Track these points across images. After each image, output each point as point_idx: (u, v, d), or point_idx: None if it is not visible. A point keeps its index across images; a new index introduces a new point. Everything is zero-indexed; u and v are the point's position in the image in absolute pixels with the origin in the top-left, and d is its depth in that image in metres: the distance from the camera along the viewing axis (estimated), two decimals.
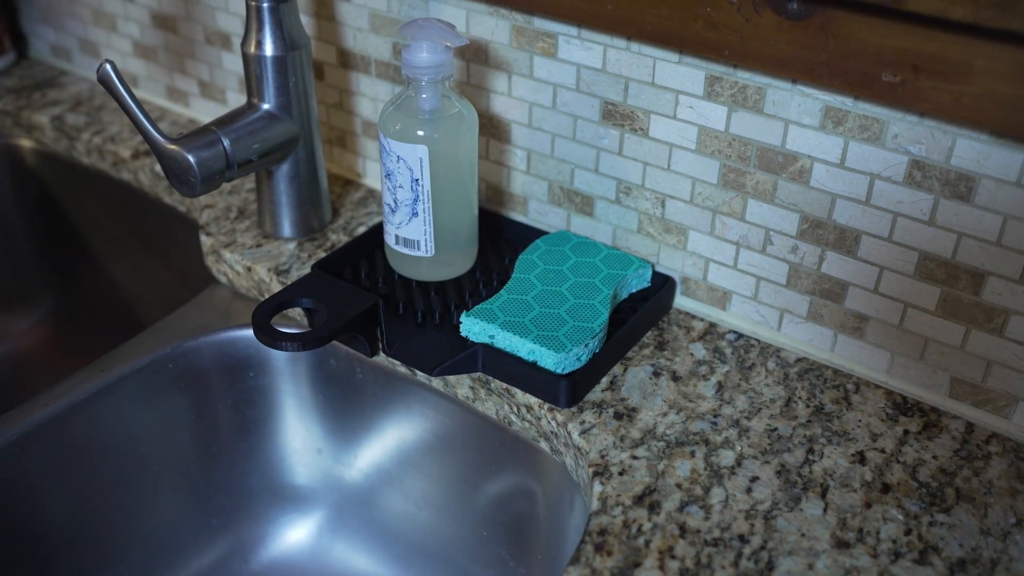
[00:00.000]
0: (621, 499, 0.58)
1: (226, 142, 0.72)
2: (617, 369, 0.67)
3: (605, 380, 0.66)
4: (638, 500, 0.58)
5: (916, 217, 0.60)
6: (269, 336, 0.65)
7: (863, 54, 0.56)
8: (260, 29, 0.73)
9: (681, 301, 0.74)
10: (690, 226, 0.71)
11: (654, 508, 0.57)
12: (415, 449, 0.76)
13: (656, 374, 0.67)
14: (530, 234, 0.78)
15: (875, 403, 0.65)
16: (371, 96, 0.84)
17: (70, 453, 0.71)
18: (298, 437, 0.81)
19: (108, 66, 0.68)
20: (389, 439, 0.78)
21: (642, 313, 0.69)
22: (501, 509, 0.73)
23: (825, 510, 0.57)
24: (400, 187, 0.69)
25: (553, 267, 0.72)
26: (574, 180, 0.75)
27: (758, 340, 0.70)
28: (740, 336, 0.71)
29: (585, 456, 0.61)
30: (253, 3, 0.72)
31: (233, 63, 0.92)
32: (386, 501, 0.80)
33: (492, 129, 0.77)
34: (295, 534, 0.82)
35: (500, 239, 0.79)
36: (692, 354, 0.69)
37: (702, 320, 0.72)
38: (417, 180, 0.68)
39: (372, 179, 0.89)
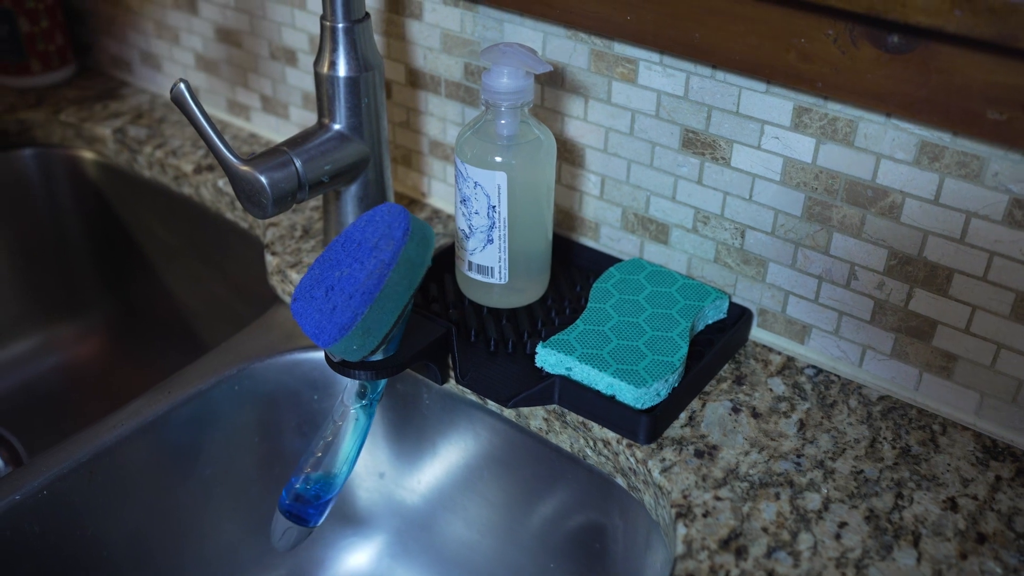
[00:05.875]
0: (706, 543, 0.56)
1: (298, 163, 0.71)
2: (695, 404, 0.66)
3: (684, 415, 0.65)
4: (724, 544, 0.56)
5: (1015, 257, 0.58)
6: (342, 364, 0.64)
7: (967, 90, 0.54)
8: (334, 50, 0.72)
9: (757, 333, 0.72)
10: (770, 258, 0.69)
11: (741, 553, 0.56)
12: (480, 476, 0.75)
13: (735, 410, 0.66)
14: (601, 260, 0.76)
15: (963, 446, 0.63)
16: (439, 116, 0.83)
17: (137, 475, 0.71)
18: (361, 460, 0.80)
19: (182, 85, 0.68)
20: (454, 465, 0.76)
21: (720, 346, 0.68)
22: (570, 541, 0.72)
23: (919, 560, 0.55)
24: (476, 213, 0.68)
25: (629, 297, 0.70)
26: (649, 207, 0.73)
27: (838, 376, 0.68)
28: (819, 371, 0.69)
29: (667, 496, 0.59)
30: (328, 24, 0.71)
31: (297, 79, 0.92)
32: (448, 527, 0.79)
33: (565, 154, 0.76)
34: (355, 559, 0.81)
35: (571, 265, 0.77)
36: (771, 389, 0.67)
37: (779, 354, 0.71)
38: (494, 207, 0.67)
39: (437, 199, 0.88)
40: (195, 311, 1.04)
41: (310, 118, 0.93)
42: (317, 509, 0.67)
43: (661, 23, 0.63)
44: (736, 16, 0.60)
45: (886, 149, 0.60)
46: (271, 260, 0.81)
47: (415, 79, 0.82)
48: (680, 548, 0.56)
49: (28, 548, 0.65)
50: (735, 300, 0.72)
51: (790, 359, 0.70)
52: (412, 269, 0.60)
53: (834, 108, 0.61)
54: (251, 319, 0.81)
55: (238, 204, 0.90)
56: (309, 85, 0.91)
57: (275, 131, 0.98)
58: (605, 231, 0.77)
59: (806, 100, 0.62)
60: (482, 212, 0.68)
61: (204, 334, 1.04)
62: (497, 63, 0.64)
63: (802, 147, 0.64)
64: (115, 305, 1.10)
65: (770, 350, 0.71)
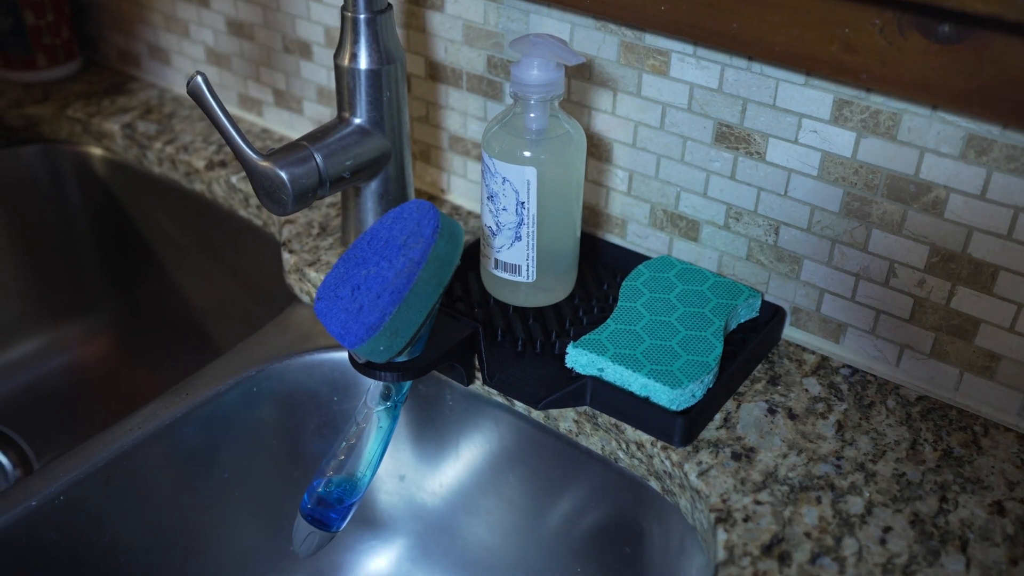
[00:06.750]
0: (748, 548, 0.54)
1: (318, 158, 0.69)
2: (730, 405, 0.64)
3: (719, 417, 0.63)
4: (766, 550, 0.54)
5: None
6: (367, 366, 0.62)
7: (1021, 81, 0.52)
8: (355, 42, 0.70)
9: (790, 332, 0.70)
10: (805, 255, 0.67)
11: (784, 559, 0.54)
12: (504, 479, 0.73)
13: (771, 411, 0.64)
14: (629, 258, 0.75)
15: (1007, 448, 0.61)
16: (460, 110, 0.81)
17: (154, 479, 0.69)
18: (381, 463, 0.78)
19: (199, 78, 0.66)
20: (476, 467, 0.75)
21: (754, 346, 0.66)
22: (597, 546, 0.70)
23: (968, 566, 0.54)
24: (504, 210, 0.66)
25: (660, 295, 0.68)
26: (679, 203, 0.71)
27: (875, 376, 0.67)
28: (855, 371, 0.67)
29: (705, 500, 0.58)
30: (349, 15, 0.70)
31: (312, 72, 0.90)
32: (470, 531, 0.77)
33: (592, 148, 0.74)
34: (376, 563, 0.80)
35: (597, 263, 0.76)
36: (807, 390, 0.66)
37: (813, 353, 0.69)
38: (523, 203, 0.65)
39: (457, 195, 0.86)
40: (205, 310, 1.02)
41: (324, 113, 0.91)
42: (339, 513, 0.65)
43: (697, 13, 0.62)
44: (776, 5, 0.58)
45: (931, 143, 0.59)
46: (288, 258, 0.79)
47: (435, 72, 0.80)
48: (722, 554, 0.54)
49: (45, 555, 0.63)
50: (767, 298, 0.70)
51: (824, 359, 0.68)
52: (442, 267, 0.58)
53: (876, 101, 0.60)
54: (263, 318, 0.79)
55: (251, 201, 0.88)
56: (324, 79, 0.89)
57: (288, 126, 0.96)
58: (632, 228, 0.75)
59: (847, 93, 0.60)
60: (510, 209, 0.66)
61: (215, 334, 1.02)
62: (527, 54, 0.62)
63: (842, 141, 0.62)
64: (123, 304, 1.08)
65: (804, 349, 0.69)
